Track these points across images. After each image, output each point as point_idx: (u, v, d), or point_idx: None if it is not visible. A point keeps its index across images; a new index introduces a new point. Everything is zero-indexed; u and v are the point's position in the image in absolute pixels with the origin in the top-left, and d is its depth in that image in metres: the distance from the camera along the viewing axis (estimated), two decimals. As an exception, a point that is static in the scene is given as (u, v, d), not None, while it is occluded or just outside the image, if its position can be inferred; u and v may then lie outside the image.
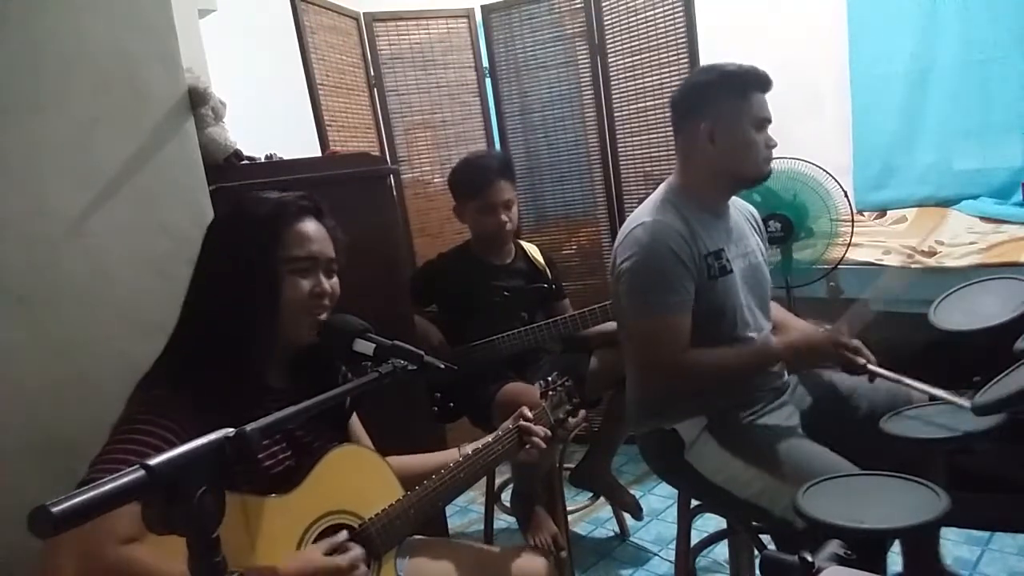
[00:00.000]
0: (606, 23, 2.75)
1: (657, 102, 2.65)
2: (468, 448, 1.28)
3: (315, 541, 1.03)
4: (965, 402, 1.24)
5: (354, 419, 1.31)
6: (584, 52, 2.83)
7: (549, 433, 1.37)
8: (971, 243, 2.38)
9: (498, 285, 2.24)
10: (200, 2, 2.44)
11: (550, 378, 1.49)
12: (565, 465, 2.31)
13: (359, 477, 1.14)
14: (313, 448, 1.13)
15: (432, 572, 1.25)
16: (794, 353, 1.49)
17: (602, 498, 2.47)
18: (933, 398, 1.38)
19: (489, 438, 1.30)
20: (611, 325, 2.04)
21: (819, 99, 3.00)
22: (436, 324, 2.22)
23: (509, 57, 2.96)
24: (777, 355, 1.53)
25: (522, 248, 2.37)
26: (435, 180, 2.98)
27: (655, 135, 2.69)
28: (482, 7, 2.93)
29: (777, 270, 2.35)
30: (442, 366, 1.07)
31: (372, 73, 2.81)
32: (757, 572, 1.68)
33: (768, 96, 1.57)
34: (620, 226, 1.64)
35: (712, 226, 1.58)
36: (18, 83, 1.28)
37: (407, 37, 2.86)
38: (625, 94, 2.77)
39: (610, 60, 2.77)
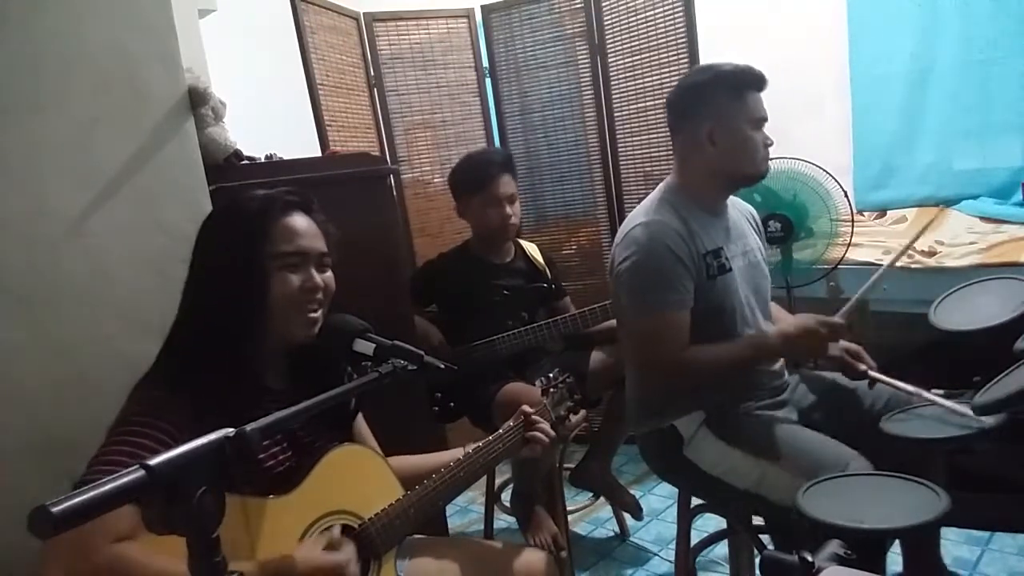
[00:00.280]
0: (606, 23, 2.75)
1: (657, 102, 2.65)
2: (471, 447, 1.28)
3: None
4: (967, 410, 1.24)
5: (359, 419, 1.31)
6: (584, 52, 2.83)
7: (551, 433, 1.37)
8: (971, 243, 2.38)
9: (498, 284, 2.24)
10: (200, 2, 2.44)
11: (551, 375, 1.49)
12: (565, 465, 2.31)
13: (359, 477, 1.14)
14: (314, 448, 1.13)
15: (433, 572, 1.25)
16: (786, 339, 1.49)
17: (602, 498, 2.47)
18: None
19: (491, 437, 1.30)
20: (614, 322, 2.04)
21: (819, 99, 3.00)
22: (436, 324, 2.22)
23: (509, 57, 2.96)
24: (771, 344, 1.53)
25: (522, 247, 2.37)
26: (435, 180, 2.98)
27: (655, 135, 2.69)
28: (482, 7, 2.93)
29: (777, 270, 2.35)
30: (442, 366, 1.07)
31: (372, 73, 2.81)
32: (757, 572, 1.68)
33: (768, 96, 1.57)
34: (620, 226, 1.65)
35: (710, 225, 1.58)
36: (18, 83, 1.28)
37: (407, 37, 2.86)
38: (625, 94, 2.77)
39: (610, 60, 2.77)
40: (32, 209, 1.29)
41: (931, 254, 2.39)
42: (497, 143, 3.02)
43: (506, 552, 1.33)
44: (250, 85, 2.58)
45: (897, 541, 1.49)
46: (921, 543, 1.56)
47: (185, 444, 0.66)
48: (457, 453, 1.27)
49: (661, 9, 2.58)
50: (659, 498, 2.58)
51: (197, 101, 1.50)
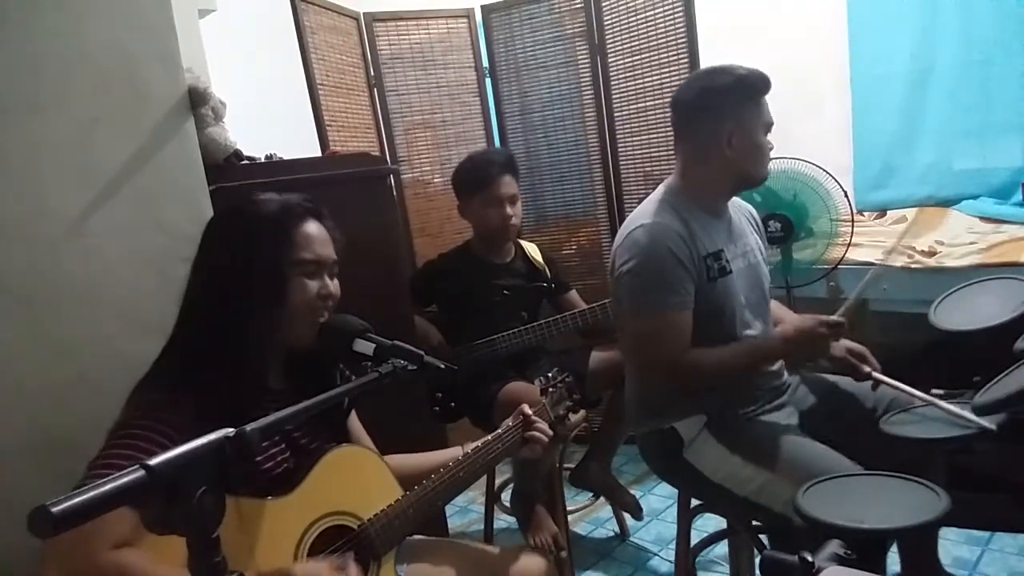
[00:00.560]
0: (606, 23, 2.75)
1: (657, 102, 2.65)
2: (470, 447, 1.28)
3: (314, 542, 1.03)
4: (970, 415, 1.24)
5: (354, 419, 1.31)
6: (584, 52, 2.83)
7: (550, 432, 1.37)
8: (971, 243, 2.38)
9: (498, 284, 2.24)
10: (200, 2, 2.43)
11: (550, 374, 1.49)
12: (565, 465, 2.31)
13: (358, 477, 1.14)
14: (312, 449, 1.13)
15: (432, 574, 1.25)
16: (787, 341, 1.50)
17: (602, 498, 2.47)
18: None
19: (490, 436, 1.30)
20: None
21: (819, 99, 3.00)
22: (436, 324, 2.22)
23: (509, 57, 2.96)
24: (773, 346, 1.53)
25: (522, 248, 2.37)
26: (435, 180, 2.98)
27: (655, 135, 2.69)
28: (482, 7, 2.93)
29: (777, 270, 2.35)
30: (442, 366, 1.07)
31: (372, 73, 2.81)
32: (757, 572, 1.68)
33: (768, 96, 1.57)
34: (620, 226, 1.64)
35: (711, 227, 1.58)
36: (18, 83, 1.28)
37: (407, 37, 2.86)
38: (625, 94, 2.77)
39: (610, 60, 2.77)
40: (32, 209, 1.29)
41: (931, 254, 2.39)
42: (497, 143, 3.02)
43: (505, 556, 1.33)
44: (250, 85, 2.58)
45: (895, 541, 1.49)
46: (919, 543, 1.56)
47: (186, 444, 0.66)
48: (456, 452, 1.27)
49: (661, 9, 2.58)
50: (659, 498, 2.58)
51: (197, 101, 1.50)
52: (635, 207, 1.65)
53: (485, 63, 2.98)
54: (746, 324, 1.58)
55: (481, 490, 2.27)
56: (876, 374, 1.49)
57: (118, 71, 1.38)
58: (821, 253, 2.37)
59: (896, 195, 2.89)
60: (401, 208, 2.81)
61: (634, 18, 2.66)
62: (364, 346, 1.07)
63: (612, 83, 2.79)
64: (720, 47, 2.49)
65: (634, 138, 2.77)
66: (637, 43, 2.68)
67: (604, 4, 2.73)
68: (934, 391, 1.41)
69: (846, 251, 2.36)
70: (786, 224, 2.33)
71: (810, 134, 2.74)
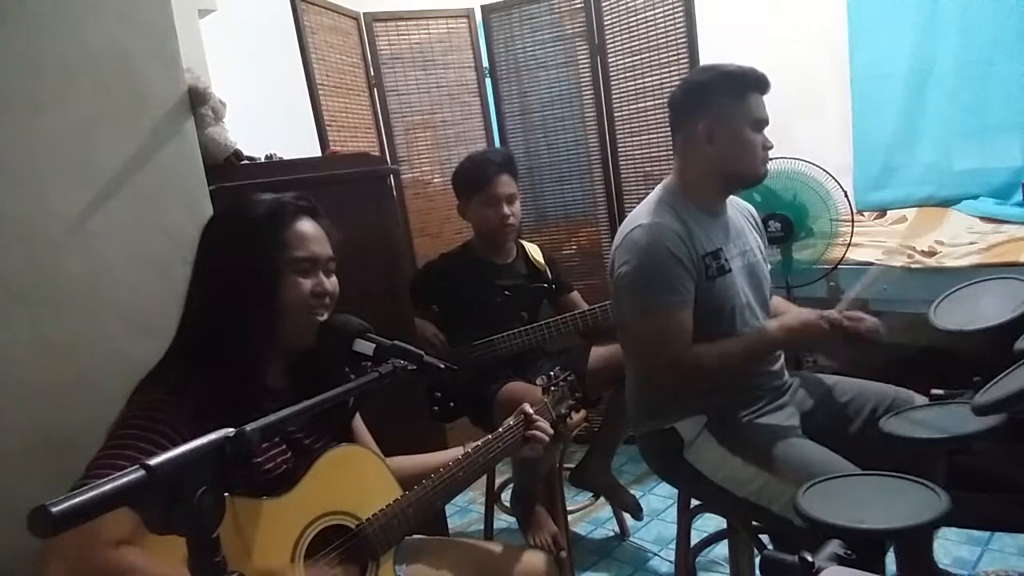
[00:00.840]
0: (606, 23, 2.75)
1: (657, 102, 2.65)
2: (470, 446, 1.28)
3: (312, 542, 1.03)
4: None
5: (357, 420, 1.31)
6: (584, 52, 2.83)
7: (551, 432, 1.36)
8: (971, 243, 2.38)
9: (499, 285, 2.24)
10: (200, 2, 2.43)
11: (551, 374, 1.49)
12: (565, 465, 2.31)
13: (357, 477, 1.14)
14: (312, 449, 1.13)
15: (432, 574, 1.25)
16: (789, 332, 1.49)
17: (602, 498, 2.47)
18: (932, 399, 1.37)
19: (490, 436, 1.30)
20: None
21: (819, 99, 3.00)
22: (436, 324, 2.22)
23: (509, 57, 2.96)
24: (774, 337, 1.52)
25: (523, 248, 2.37)
26: (435, 180, 2.98)
27: (655, 135, 2.69)
28: (482, 7, 2.93)
29: (777, 270, 2.35)
30: (442, 366, 1.07)
31: (372, 73, 2.81)
32: (757, 572, 1.68)
33: (768, 96, 1.57)
34: (620, 226, 1.64)
35: (709, 226, 1.58)
36: (18, 83, 1.28)
37: (407, 37, 2.86)
38: (625, 94, 2.77)
39: (610, 60, 2.77)
40: (32, 209, 1.29)
41: (931, 254, 2.39)
42: (497, 143, 3.02)
43: (506, 555, 1.33)
44: (250, 85, 2.58)
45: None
46: (916, 543, 1.56)
47: (185, 444, 0.66)
48: (456, 453, 1.27)
49: (661, 9, 2.58)
50: (659, 498, 2.58)
51: (197, 101, 1.50)
52: (635, 207, 1.65)
53: (485, 63, 2.98)
54: (746, 323, 1.57)
55: (481, 490, 2.26)
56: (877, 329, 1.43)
57: (118, 71, 1.38)
58: (821, 253, 2.37)
59: (896, 195, 2.89)
60: (401, 208, 2.81)
61: (634, 18, 2.66)
62: (364, 346, 1.06)
63: (612, 83, 2.79)
64: (720, 47, 2.49)
65: (634, 138, 2.77)
66: (637, 43, 2.68)
67: (604, 4, 2.73)
68: (934, 391, 1.41)
69: (846, 251, 2.36)
70: (786, 224, 2.33)
71: (810, 134, 2.74)
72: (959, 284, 1.48)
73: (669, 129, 1.70)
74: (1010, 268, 2.12)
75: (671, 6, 2.55)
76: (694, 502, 1.69)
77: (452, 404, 2.18)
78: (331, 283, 1.15)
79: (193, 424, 0.92)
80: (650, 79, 2.67)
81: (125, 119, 1.40)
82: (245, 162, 1.67)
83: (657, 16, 2.60)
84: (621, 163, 2.84)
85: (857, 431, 1.52)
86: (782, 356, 1.67)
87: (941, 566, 1.75)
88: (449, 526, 2.20)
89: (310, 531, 1.03)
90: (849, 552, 0.73)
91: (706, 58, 2.51)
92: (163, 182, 1.44)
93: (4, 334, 1.25)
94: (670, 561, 2.11)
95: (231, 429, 0.70)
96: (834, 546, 0.74)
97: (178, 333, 1.11)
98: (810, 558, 0.68)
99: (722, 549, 1.95)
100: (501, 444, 1.29)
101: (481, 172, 2.19)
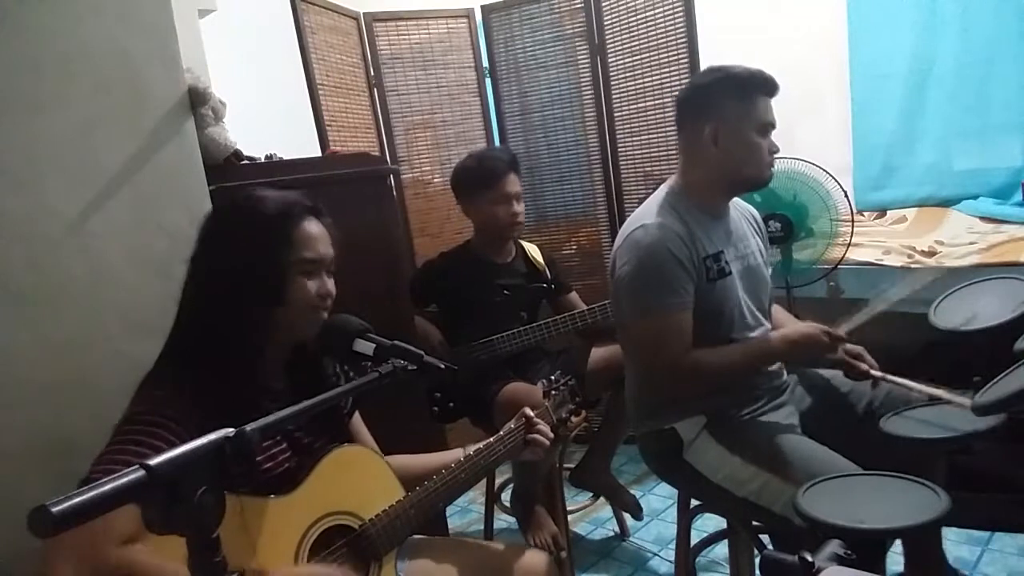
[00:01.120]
0: (606, 23, 2.75)
1: (657, 102, 2.65)
2: (472, 449, 1.28)
3: (315, 542, 1.03)
4: (967, 401, 1.24)
5: (356, 419, 1.31)
6: (584, 52, 2.83)
7: (552, 435, 1.36)
8: (971, 243, 2.38)
9: (499, 284, 2.24)
10: (200, 2, 2.44)
11: (553, 377, 1.49)
12: (565, 465, 2.31)
13: (359, 478, 1.14)
14: (313, 449, 1.13)
15: (433, 573, 1.25)
16: (790, 344, 1.50)
17: (602, 498, 2.47)
18: (933, 398, 1.38)
19: (492, 438, 1.30)
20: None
21: (819, 99, 3.00)
22: (436, 324, 2.22)
23: (509, 57, 2.96)
24: (774, 348, 1.53)
25: (522, 248, 2.37)
26: (435, 180, 2.98)
27: (655, 135, 2.69)
28: (482, 7, 2.93)
29: (777, 270, 2.35)
30: (442, 366, 1.07)
31: (372, 73, 2.81)
32: (757, 572, 1.68)
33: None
34: (620, 226, 1.65)
35: (712, 228, 1.58)
36: (18, 83, 1.28)
37: (407, 37, 2.86)
38: (625, 94, 2.77)
39: (610, 60, 2.77)
40: (32, 209, 1.29)
41: (931, 254, 2.39)
42: (497, 143, 3.02)
43: (507, 554, 1.33)
44: (250, 85, 2.59)
45: (899, 541, 1.49)
46: (924, 543, 1.56)
47: (189, 442, 0.66)
48: (457, 454, 1.27)
49: (661, 9, 2.58)
50: (659, 498, 2.58)
51: (197, 101, 1.50)
52: (635, 207, 1.65)
53: (485, 63, 2.98)
54: (745, 326, 1.57)
55: (481, 490, 2.26)
56: (874, 372, 1.49)
57: (118, 71, 1.38)
58: (821, 253, 2.37)
59: (896, 195, 2.89)
60: (401, 208, 2.81)
61: (634, 18, 2.66)
62: (364, 346, 1.06)
63: (612, 83, 2.79)
64: (720, 47, 2.49)
65: (634, 138, 2.77)
66: (637, 43, 2.68)
67: (604, 4, 2.73)
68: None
69: (846, 251, 2.36)
70: (786, 224, 2.33)
71: (810, 134, 2.74)
72: (959, 284, 1.48)
73: (669, 129, 1.70)
74: (1010, 268, 2.12)
75: (671, 6, 2.55)
76: (694, 502, 1.69)
77: (452, 404, 2.18)
78: (331, 283, 1.15)
79: (198, 422, 0.92)
80: (650, 79, 2.67)
81: (125, 119, 1.40)
82: (245, 162, 1.67)
83: (657, 16, 2.59)
84: (621, 163, 2.84)
85: (856, 430, 1.52)
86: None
87: (941, 566, 1.75)
88: (449, 526, 2.20)
89: (313, 531, 1.03)
90: (849, 552, 0.73)
91: (706, 58, 2.51)
92: (163, 182, 1.44)
93: (4, 334, 1.25)
94: (670, 561, 2.11)
95: (231, 429, 0.70)
96: (834, 546, 0.74)
97: (176, 329, 1.11)
98: (810, 558, 0.68)
99: (722, 549, 1.95)
100: (503, 447, 1.29)
101: (491, 171, 2.19)
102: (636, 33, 2.67)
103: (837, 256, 2.37)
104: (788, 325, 1.73)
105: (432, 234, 2.92)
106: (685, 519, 1.71)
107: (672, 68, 2.59)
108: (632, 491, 2.41)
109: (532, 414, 1.34)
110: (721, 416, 1.52)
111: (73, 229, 1.33)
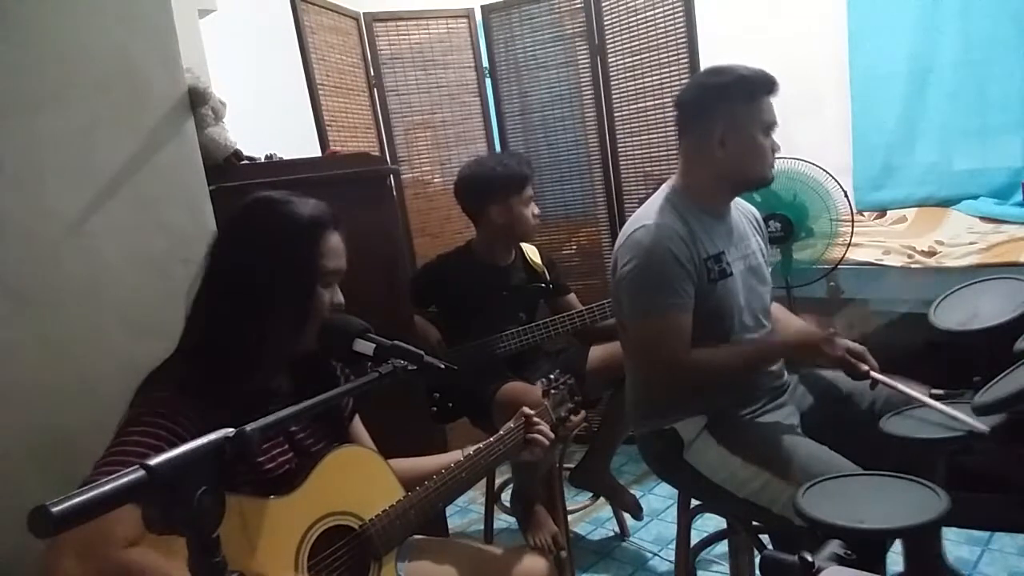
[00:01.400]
0: (606, 23, 2.75)
1: (657, 102, 2.65)
2: (471, 449, 1.28)
3: (316, 542, 1.03)
4: (967, 418, 1.23)
5: (356, 420, 1.31)
6: (584, 52, 2.83)
7: (552, 435, 1.36)
8: (971, 243, 2.38)
9: (499, 285, 2.24)
10: (200, 2, 2.44)
11: (552, 376, 1.49)
12: (565, 465, 2.31)
13: (360, 478, 1.14)
14: (314, 449, 1.13)
15: (433, 574, 1.25)
16: (791, 349, 1.50)
17: (602, 498, 2.47)
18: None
19: (491, 438, 1.30)
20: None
21: (819, 99, 3.00)
22: (436, 324, 2.22)
23: (509, 57, 2.96)
24: (776, 352, 1.53)
25: (521, 249, 2.37)
26: (435, 180, 2.98)
27: (655, 135, 2.69)
28: (482, 7, 2.93)
29: (777, 270, 2.35)
30: (442, 366, 1.07)
31: (372, 73, 2.81)
32: (757, 572, 1.68)
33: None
34: (620, 226, 1.65)
35: (713, 228, 1.58)
36: (18, 83, 1.28)
37: (407, 37, 2.86)
38: (625, 94, 2.77)
39: (610, 60, 2.77)
40: (32, 209, 1.29)
41: (931, 254, 2.39)
42: (497, 143, 3.02)
43: (506, 556, 1.33)
44: (250, 85, 2.59)
45: (898, 541, 1.49)
46: (923, 543, 1.56)
47: (187, 444, 0.66)
48: (457, 455, 1.27)
49: (661, 9, 2.58)
50: (659, 498, 2.58)
51: (197, 101, 1.50)
52: (635, 207, 1.65)
53: (485, 63, 2.98)
54: (745, 327, 1.57)
55: (481, 490, 2.27)
56: (874, 373, 1.49)
57: (118, 71, 1.39)
58: (821, 253, 2.37)
59: (896, 195, 2.89)
60: (401, 208, 2.81)
61: (634, 18, 2.66)
62: (364, 346, 1.06)
63: (612, 83, 2.79)
64: (720, 47, 2.49)
65: (634, 138, 2.77)
66: (637, 43, 2.68)
67: (604, 4, 2.73)
68: (934, 391, 1.41)
69: (846, 251, 2.36)
70: (786, 224, 2.33)
71: (810, 134, 2.74)
72: (959, 284, 1.48)
73: (669, 129, 1.69)
74: (1010, 268, 2.12)
75: (671, 6, 2.55)
76: (694, 502, 1.69)
77: (451, 405, 2.18)
78: (340, 294, 1.15)
79: (201, 422, 0.92)
80: (650, 79, 2.67)
81: (125, 119, 1.40)
82: (245, 162, 1.67)
83: (657, 16, 2.59)
84: (621, 163, 2.84)
85: (856, 430, 1.52)
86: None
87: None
88: (449, 526, 2.20)
89: (313, 531, 1.03)
90: (849, 552, 0.73)
91: (706, 58, 2.51)
92: (163, 182, 1.44)
93: (4, 334, 1.25)
94: (670, 561, 2.11)
95: (231, 429, 0.70)
96: (834, 546, 0.74)
97: (190, 330, 1.10)
98: (810, 558, 0.68)
99: (722, 549, 1.95)
100: (502, 447, 1.29)
101: (519, 173, 2.21)
102: (636, 33, 2.67)
103: (837, 256, 2.37)
104: (789, 322, 1.73)
105: (432, 234, 2.92)
106: (685, 519, 1.71)
107: (672, 68, 2.59)
108: (632, 491, 2.41)
109: (531, 413, 1.34)
110: (722, 416, 1.52)
111: (73, 229, 1.33)
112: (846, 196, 2.34)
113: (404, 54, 2.86)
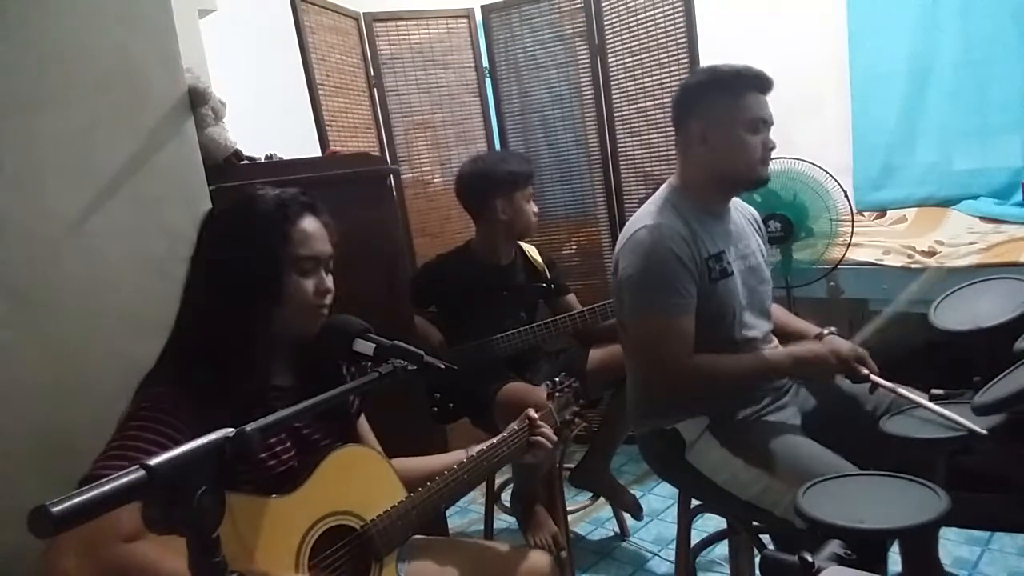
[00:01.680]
0: (606, 23, 2.75)
1: (657, 102, 2.65)
2: (475, 450, 1.28)
3: (317, 542, 1.03)
4: (962, 419, 1.23)
5: (362, 420, 1.31)
6: (584, 52, 2.83)
7: (555, 438, 1.36)
8: (971, 243, 2.38)
9: (498, 285, 2.24)
10: (200, 2, 2.43)
11: (557, 379, 1.49)
12: (565, 465, 2.31)
13: (362, 478, 1.14)
14: (317, 448, 1.13)
15: (433, 574, 1.25)
16: (799, 363, 1.49)
17: (602, 498, 2.47)
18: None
19: (495, 440, 1.30)
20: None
21: (819, 99, 3.00)
22: (436, 324, 2.22)
23: (509, 57, 2.96)
24: (782, 364, 1.52)
25: (521, 249, 2.37)
26: (435, 180, 2.98)
27: (655, 135, 2.69)
28: (482, 7, 2.93)
29: (777, 270, 2.35)
30: (442, 366, 1.07)
31: (372, 73, 2.81)
32: (757, 572, 1.68)
33: (768, 96, 1.56)
34: (620, 226, 1.65)
35: (713, 228, 1.58)
36: (18, 83, 1.28)
37: (407, 37, 2.86)
38: (625, 94, 2.77)
39: (610, 60, 2.77)
40: (32, 209, 1.29)
41: (931, 254, 2.39)
42: (497, 143, 3.02)
43: (509, 555, 1.33)
44: (250, 85, 2.59)
45: (896, 541, 1.49)
46: (920, 543, 1.56)
47: (191, 440, 0.66)
48: (459, 455, 1.27)
49: (661, 9, 2.58)
50: (659, 498, 2.58)
51: (197, 101, 1.50)
52: (635, 207, 1.65)
53: (485, 63, 2.98)
54: (746, 326, 1.57)
55: (481, 490, 2.26)
56: (874, 377, 1.49)
57: (118, 71, 1.38)
58: (821, 253, 2.37)
59: (896, 195, 2.89)
60: (401, 208, 2.81)
61: (634, 18, 2.66)
62: (364, 346, 1.06)
63: (612, 83, 2.79)
64: (720, 47, 2.49)
65: (634, 138, 2.77)
66: (637, 43, 2.68)
67: (604, 4, 2.73)
68: (934, 391, 1.40)
69: (846, 251, 2.36)
70: (786, 224, 2.33)
71: (810, 134, 2.74)
72: (959, 284, 1.48)
73: (669, 129, 1.70)
74: (1010, 268, 2.12)
75: (671, 6, 2.55)
76: (694, 502, 1.69)
77: (451, 405, 2.18)
78: (330, 280, 1.15)
79: (200, 420, 0.92)
80: (650, 79, 2.67)
81: (125, 119, 1.40)
82: (245, 162, 1.67)
83: (657, 16, 2.59)
84: (621, 163, 2.84)
85: (857, 430, 1.52)
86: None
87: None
88: (449, 526, 2.20)
89: (315, 531, 1.03)
90: (849, 552, 0.73)
91: (706, 58, 2.51)
92: (163, 182, 1.44)
93: (4, 334, 1.25)
94: (670, 561, 2.11)
95: (231, 429, 0.70)
96: (834, 546, 0.74)
97: (175, 327, 1.11)
98: (810, 558, 0.68)
99: (722, 549, 1.95)
100: (506, 448, 1.29)
101: (523, 169, 2.22)
102: (636, 33, 2.67)
103: (837, 256, 2.37)
104: (790, 326, 1.73)
105: (432, 234, 2.92)
106: (685, 519, 1.71)
107: (672, 68, 2.59)
108: (632, 491, 2.41)
109: (536, 416, 1.33)
110: (724, 417, 1.52)
111: (73, 229, 1.33)
112: (846, 196, 2.34)
113: (404, 54, 2.86)
